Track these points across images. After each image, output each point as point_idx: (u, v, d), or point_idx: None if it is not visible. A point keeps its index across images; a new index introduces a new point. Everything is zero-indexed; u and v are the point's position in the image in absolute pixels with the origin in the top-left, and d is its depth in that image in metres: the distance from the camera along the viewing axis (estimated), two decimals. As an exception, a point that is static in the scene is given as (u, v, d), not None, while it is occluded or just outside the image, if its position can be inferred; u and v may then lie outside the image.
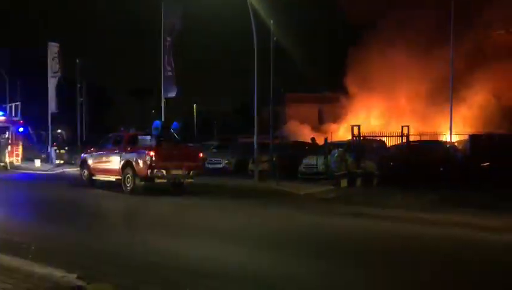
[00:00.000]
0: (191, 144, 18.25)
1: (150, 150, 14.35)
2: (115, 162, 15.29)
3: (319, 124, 36.94)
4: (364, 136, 19.70)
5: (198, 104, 35.40)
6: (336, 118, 34.78)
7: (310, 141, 23.27)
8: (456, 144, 22.69)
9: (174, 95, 22.86)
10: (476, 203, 13.10)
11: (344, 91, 34.85)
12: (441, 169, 19.62)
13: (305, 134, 30.64)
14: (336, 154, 18.06)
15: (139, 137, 15.51)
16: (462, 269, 6.44)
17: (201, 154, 15.82)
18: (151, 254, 6.86)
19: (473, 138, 21.17)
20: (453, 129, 24.23)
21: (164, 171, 14.38)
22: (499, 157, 19.28)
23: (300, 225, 9.93)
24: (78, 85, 30.91)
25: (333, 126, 33.72)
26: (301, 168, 19.09)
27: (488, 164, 19.88)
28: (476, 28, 28.22)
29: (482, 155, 19.88)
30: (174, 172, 14.59)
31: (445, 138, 23.14)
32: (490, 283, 5.91)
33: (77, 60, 30.56)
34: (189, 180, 14.95)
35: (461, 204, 13.08)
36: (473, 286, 5.80)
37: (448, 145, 21.27)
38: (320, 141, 21.55)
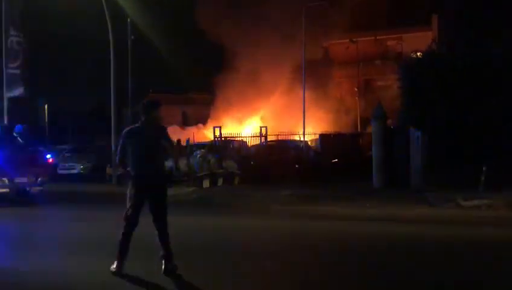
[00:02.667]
0: (40, 148, 16.69)
1: (-13, 157, 12.74)
2: None
3: (183, 125, 36.77)
4: (225, 137, 20.11)
5: (51, 104, 32.58)
6: (201, 120, 34.97)
7: (176, 143, 22.98)
8: (309, 142, 24.48)
9: (20, 94, 20.69)
10: (328, 196, 14.28)
11: (209, 92, 35.24)
12: (296, 166, 21.01)
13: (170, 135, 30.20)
14: (198, 155, 18.14)
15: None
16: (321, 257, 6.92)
17: (50, 159, 14.55)
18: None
19: (322, 137, 23.07)
20: (307, 129, 26.06)
21: (6, 180, 12.89)
22: (345, 154, 21.35)
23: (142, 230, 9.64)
24: None
25: (198, 127, 33.86)
26: (163, 170, 18.73)
27: (336, 160, 21.89)
28: (322, 37, 30.84)
29: (331, 153, 21.85)
30: (18, 180, 13.17)
31: (300, 137, 24.78)
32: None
33: None
34: (37, 188, 13.63)
35: (314, 198, 14.11)
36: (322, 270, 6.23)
37: (302, 144, 22.83)
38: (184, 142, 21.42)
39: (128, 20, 18.35)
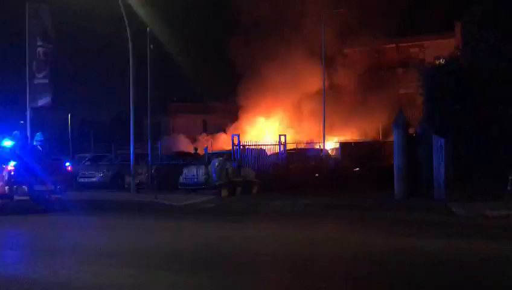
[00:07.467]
0: (59, 156, 16.84)
1: (7, 165, 12.89)
2: (-35, 179, 13.45)
3: (204, 133, 36.83)
4: (244, 145, 19.95)
5: (74, 114, 33.17)
6: (220, 128, 34.98)
7: (193, 152, 22.97)
8: (329, 151, 24.13)
9: (46, 104, 20.96)
10: (346, 206, 13.96)
11: (229, 102, 35.27)
12: (316, 175, 20.72)
13: (189, 144, 30.29)
14: (216, 164, 18.02)
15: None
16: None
17: (69, 167, 14.66)
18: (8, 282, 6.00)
19: (343, 145, 22.71)
20: (331, 137, 25.70)
21: (25, 188, 13.02)
22: (367, 163, 20.97)
23: (174, 237, 9.54)
24: None
25: (218, 136, 33.87)
26: (182, 179, 18.68)
27: (358, 169, 21.52)
28: (342, 45, 30.67)
29: (352, 161, 21.49)
30: (38, 188, 13.28)
31: (320, 146, 24.45)
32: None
33: None
34: (56, 196, 13.72)
35: (333, 207, 13.82)
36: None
37: (321, 153, 22.50)
38: (202, 151, 21.38)
39: (148, 29, 18.46)
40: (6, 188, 12.71)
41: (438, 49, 27.54)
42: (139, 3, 19.06)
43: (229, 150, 20.14)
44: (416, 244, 8.39)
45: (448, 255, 7.52)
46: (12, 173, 12.72)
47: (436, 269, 6.60)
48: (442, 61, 18.19)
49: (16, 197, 12.99)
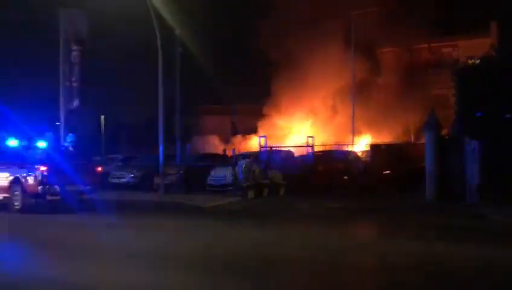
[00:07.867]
0: (90, 157, 17.19)
1: (40, 165, 13.28)
2: (1, 178, 13.98)
3: (232, 135, 36.94)
4: (271, 147, 19.92)
5: (108, 115, 33.88)
6: (249, 130, 34.99)
7: (221, 153, 23.09)
8: (359, 153, 23.76)
9: (79, 105, 21.57)
10: (376, 209, 13.71)
11: (259, 103, 35.24)
12: (345, 177, 20.45)
13: (218, 146, 30.45)
14: (243, 165, 18.03)
15: (30, 151, 14.31)
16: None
17: (99, 168, 14.96)
18: (39, 282, 6.16)
19: (373, 147, 22.30)
20: (358, 139, 25.29)
21: (58, 187, 13.37)
22: (397, 166, 20.54)
23: (194, 240, 9.57)
24: None
25: (246, 137, 33.89)
26: (209, 180, 18.78)
27: (388, 172, 21.08)
28: (373, 45, 30.17)
29: (382, 164, 21.08)
30: (69, 188, 13.62)
31: (349, 147, 24.12)
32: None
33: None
34: (87, 195, 14.04)
35: (362, 211, 13.59)
36: None
37: (350, 155, 22.17)
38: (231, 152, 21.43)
39: (176, 32, 18.65)
40: (40, 187, 13.09)
41: (472, 49, 26.69)
42: (168, 6, 19.27)
43: (257, 152, 20.14)
44: (451, 250, 8.14)
45: (479, 261, 7.26)
46: (45, 173, 13.08)
47: (472, 277, 6.38)
48: (475, 61, 17.65)
49: (48, 197, 13.36)
